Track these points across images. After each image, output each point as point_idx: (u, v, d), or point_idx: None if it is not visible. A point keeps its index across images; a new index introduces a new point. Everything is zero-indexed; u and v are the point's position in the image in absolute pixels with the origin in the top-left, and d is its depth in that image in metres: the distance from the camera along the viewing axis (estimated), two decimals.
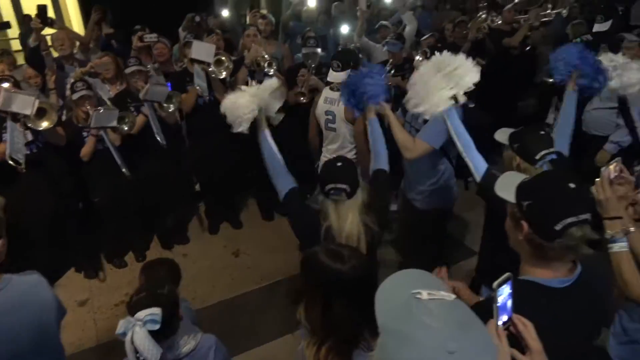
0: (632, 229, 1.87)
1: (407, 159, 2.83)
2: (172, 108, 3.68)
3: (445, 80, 2.22)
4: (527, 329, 1.17)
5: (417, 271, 1.05)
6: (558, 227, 1.25)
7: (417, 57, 3.47)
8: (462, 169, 2.71)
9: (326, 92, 3.43)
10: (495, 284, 1.17)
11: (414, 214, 3.14)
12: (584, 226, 1.26)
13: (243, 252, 4.35)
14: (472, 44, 4.83)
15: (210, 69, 3.78)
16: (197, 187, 4.81)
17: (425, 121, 2.77)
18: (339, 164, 2.03)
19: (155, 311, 1.63)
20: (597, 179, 1.82)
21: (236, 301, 3.76)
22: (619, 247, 1.77)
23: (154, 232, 4.46)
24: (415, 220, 3.15)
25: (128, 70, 3.92)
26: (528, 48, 5.40)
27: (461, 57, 2.29)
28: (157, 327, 1.62)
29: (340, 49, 4.51)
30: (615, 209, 1.79)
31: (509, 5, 4.92)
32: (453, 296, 0.95)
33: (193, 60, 3.82)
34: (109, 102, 3.79)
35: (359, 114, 2.86)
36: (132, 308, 1.67)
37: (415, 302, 0.93)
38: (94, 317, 3.67)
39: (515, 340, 1.17)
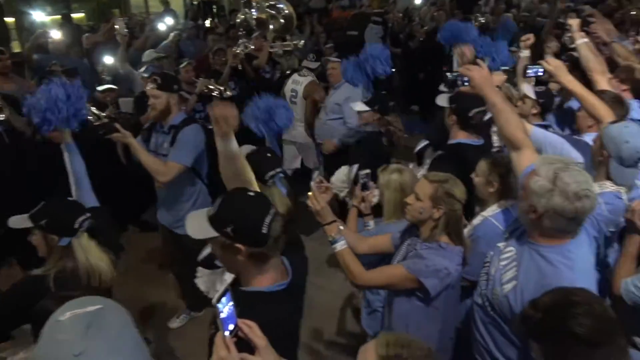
0: (341, 227, 2.20)
1: (163, 182, 2.85)
2: None
3: None
4: (252, 330, 1.26)
5: (83, 299, 1.08)
6: (264, 229, 1.41)
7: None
8: (216, 187, 2.84)
9: (294, 77, 4.90)
10: (214, 299, 1.23)
11: (179, 241, 3.07)
12: (276, 218, 1.45)
13: None
14: (232, 69, 5.10)
15: None
16: None
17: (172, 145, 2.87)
18: (70, 197, 1.95)
19: None
20: (309, 193, 2.11)
21: None
22: (340, 245, 2.05)
23: None
24: (182, 247, 3.11)
25: None
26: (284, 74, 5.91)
27: None
28: None
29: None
30: (330, 215, 2.09)
31: (256, 34, 5.38)
32: (98, 306, 1.02)
33: None
34: None
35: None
36: None
37: (53, 326, 0.99)
38: None
39: (246, 344, 1.25)
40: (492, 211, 2.26)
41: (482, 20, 6.69)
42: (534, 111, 3.15)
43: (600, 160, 2.17)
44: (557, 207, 1.57)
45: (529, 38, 3.42)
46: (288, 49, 5.18)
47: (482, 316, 1.88)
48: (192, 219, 1.53)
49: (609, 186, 2.13)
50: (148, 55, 5.09)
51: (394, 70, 7.29)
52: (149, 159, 2.71)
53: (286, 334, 1.41)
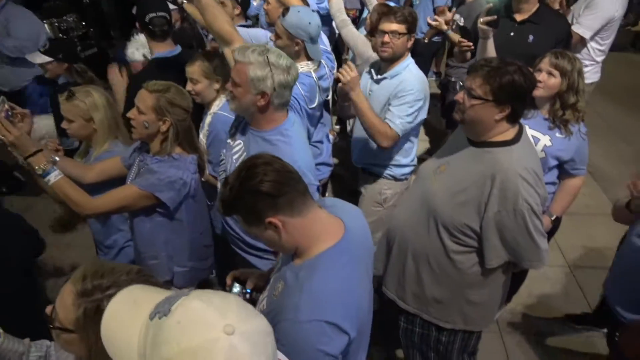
0: (57, 157, 1.93)
1: None
2: None
3: None
4: None
5: None
6: None
7: None
8: None
9: None
10: None
11: None
12: None
13: None
14: None
15: None
16: None
17: None
18: None
19: None
20: None
21: None
22: (54, 176, 1.76)
23: None
24: None
25: None
26: None
27: None
28: None
29: None
30: (31, 144, 1.76)
31: None
32: None
33: None
34: None
35: None
36: None
37: None
38: None
39: None
40: (217, 106, 2.33)
41: None
42: (237, 12, 3.23)
43: (295, 50, 2.34)
44: (282, 82, 1.71)
45: None
46: None
47: None
48: None
49: (300, 68, 2.33)
50: None
51: None
52: None
53: None
